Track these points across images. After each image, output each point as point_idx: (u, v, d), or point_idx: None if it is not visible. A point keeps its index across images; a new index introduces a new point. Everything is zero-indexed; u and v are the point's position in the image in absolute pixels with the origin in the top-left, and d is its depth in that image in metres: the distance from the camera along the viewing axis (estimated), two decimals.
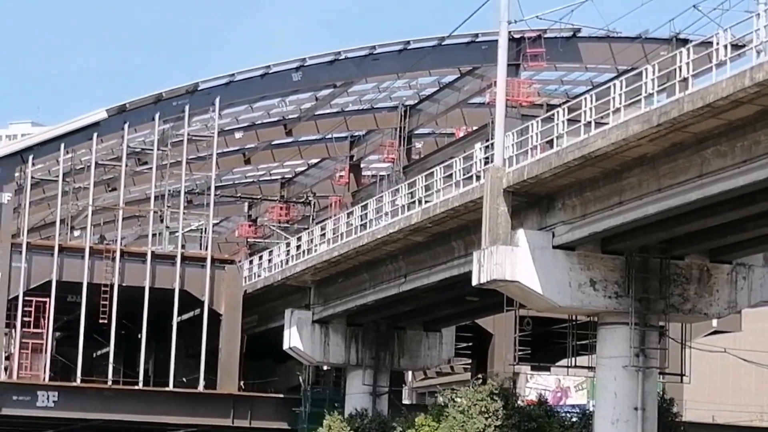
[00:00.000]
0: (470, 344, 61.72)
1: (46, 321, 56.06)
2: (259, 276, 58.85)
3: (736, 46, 29.37)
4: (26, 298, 55.85)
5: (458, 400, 43.15)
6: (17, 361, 56.47)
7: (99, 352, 60.49)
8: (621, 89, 32.05)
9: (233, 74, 58.71)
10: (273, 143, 69.37)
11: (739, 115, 27.78)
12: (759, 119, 27.67)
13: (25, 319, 55.78)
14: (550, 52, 52.18)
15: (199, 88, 58.60)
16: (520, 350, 48.76)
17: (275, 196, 75.04)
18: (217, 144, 60.95)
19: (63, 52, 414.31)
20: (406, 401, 63.76)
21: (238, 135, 66.71)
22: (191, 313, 59.55)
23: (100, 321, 56.81)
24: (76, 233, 64.72)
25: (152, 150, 59.07)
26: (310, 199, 71.70)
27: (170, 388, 57.77)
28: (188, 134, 59.28)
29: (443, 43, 55.23)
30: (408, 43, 56.42)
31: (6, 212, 56.36)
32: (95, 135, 57.97)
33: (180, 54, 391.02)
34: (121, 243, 60.34)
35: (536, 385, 61.18)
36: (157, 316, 57.66)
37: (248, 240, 73.71)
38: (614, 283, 36.17)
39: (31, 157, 57.88)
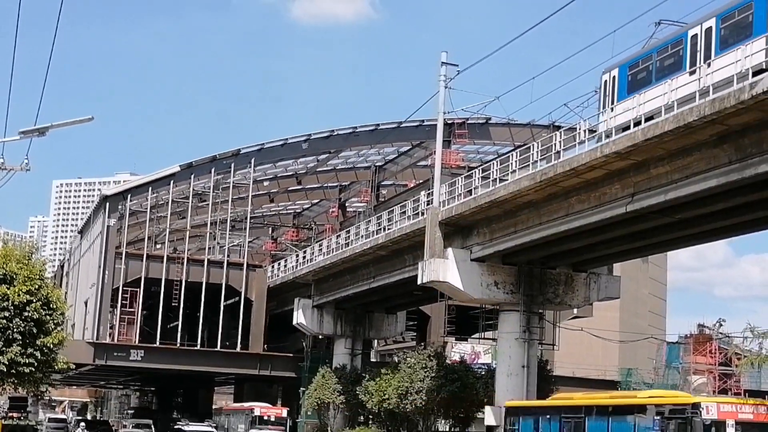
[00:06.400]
0: (415, 322, 61.52)
1: (137, 303, 55.61)
2: (278, 275, 58.40)
3: (591, 131, 29.45)
4: (124, 288, 55.41)
5: (407, 359, 42.85)
6: (117, 330, 56.03)
7: (171, 325, 59.76)
8: (516, 158, 32.08)
9: (263, 143, 58.42)
10: (289, 189, 68.96)
11: (592, 176, 27.83)
12: (606, 179, 27.73)
13: (123, 302, 55.32)
14: (471, 132, 52.22)
15: (240, 152, 58.24)
16: (448, 327, 48.50)
17: (290, 224, 74.55)
18: (252, 189, 60.54)
19: (152, 124, 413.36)
20: (373, 359, 63.18)
21: (266, 183, 66.27)
22: (233, 300, 59.02)
23: (173, 304, 56.47)
24: (158, 246, 64.01)
25: (209, 192, 58.70)
26: (312, 226, 71.26)
27: (218, 348, 57.29)
28: (233, 182, 58.91)
29: (401, 126, 55.17)
30: (378, 125, 56.26)
31: (112, 232, 55.97)
32: (172, 182, 57.64)
33: (230, 129, 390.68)
34: (187, 253, 59.79)
35: (458, 350, 60.75)
36: (210, 301, 57.17)
37: (271, 252, 73.13)
38: (510, 284, 36.01)
39: (129, 196, 57.61)
